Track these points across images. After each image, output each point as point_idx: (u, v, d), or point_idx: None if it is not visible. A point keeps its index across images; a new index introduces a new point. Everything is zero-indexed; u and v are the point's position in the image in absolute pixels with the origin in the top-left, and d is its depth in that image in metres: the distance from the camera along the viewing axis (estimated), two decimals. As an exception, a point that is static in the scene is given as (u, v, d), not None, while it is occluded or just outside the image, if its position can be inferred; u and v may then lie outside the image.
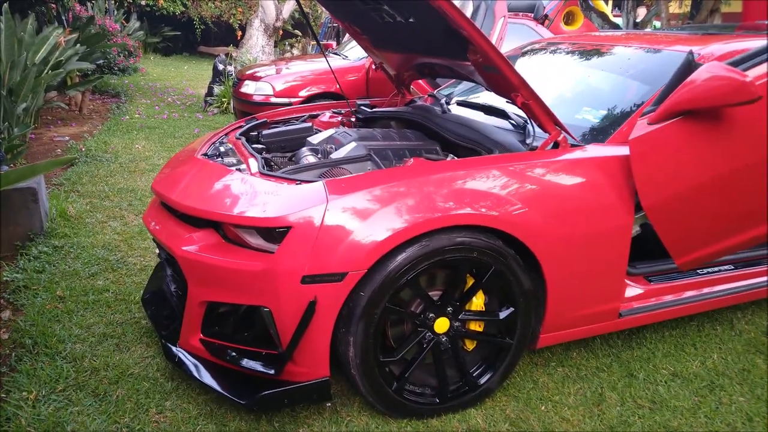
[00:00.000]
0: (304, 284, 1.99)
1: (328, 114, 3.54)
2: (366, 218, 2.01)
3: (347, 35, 10.16)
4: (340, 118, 3.49)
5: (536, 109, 2.31)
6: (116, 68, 9.09)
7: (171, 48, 16.46)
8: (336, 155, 2.65)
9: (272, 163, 2.69)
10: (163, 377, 2.42)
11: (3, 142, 4.43)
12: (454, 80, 4.02)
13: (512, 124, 2.71)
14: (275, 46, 8.97)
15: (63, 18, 8.44)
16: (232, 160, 2.60)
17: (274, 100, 6.09)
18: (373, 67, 3.70)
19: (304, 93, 6.09)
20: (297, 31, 15.30)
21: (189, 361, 2.28)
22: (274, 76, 6.24)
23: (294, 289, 1.99)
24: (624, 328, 2.67)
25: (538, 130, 2.49)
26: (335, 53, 7.13)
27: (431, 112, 3.07)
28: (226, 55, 8.80)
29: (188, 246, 2.21)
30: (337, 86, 5.95)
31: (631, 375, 2.56)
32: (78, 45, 7.11)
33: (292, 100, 6.05)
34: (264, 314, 2.05)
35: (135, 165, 5.52)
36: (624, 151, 2.36)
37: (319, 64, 6.68)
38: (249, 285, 2.06)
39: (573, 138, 2.40)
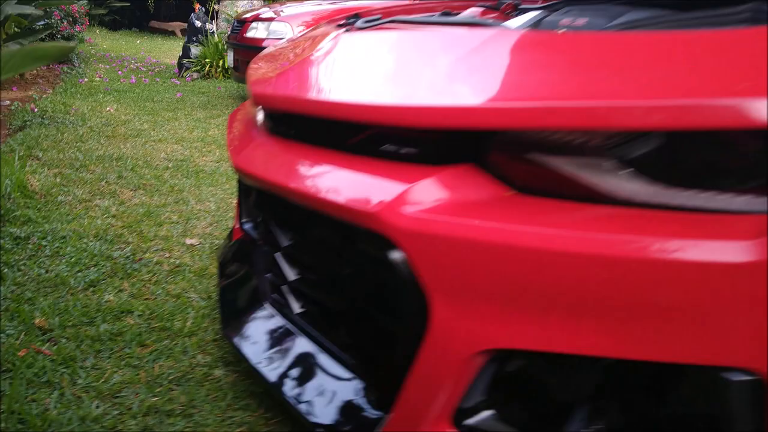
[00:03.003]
0: None
1: (475, 11, 2.19)
2: None
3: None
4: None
5: None
6: (59, 36, 7.50)
7: (119, 22, 14.49)
8: None
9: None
10: None
11: None
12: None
13: None
14: (265, -4, 7.49)
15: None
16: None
17: (293, 45, 4.65)
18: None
19: (333, 36, 4.67)
20: None
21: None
22: (292, 15, 4.79)
23: None
24: None
25: None
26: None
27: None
28: (205, 10, 7.23)
29: (416, 208, 0.85)
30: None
31: None
32: (18, -15, 5.45)
33: (319, 44, 4.62)
34: (742, 389, 0.71)
35: (112, 129, 3.99)
36: None
37: (326, 5, 5.27)
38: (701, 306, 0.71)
39: None
